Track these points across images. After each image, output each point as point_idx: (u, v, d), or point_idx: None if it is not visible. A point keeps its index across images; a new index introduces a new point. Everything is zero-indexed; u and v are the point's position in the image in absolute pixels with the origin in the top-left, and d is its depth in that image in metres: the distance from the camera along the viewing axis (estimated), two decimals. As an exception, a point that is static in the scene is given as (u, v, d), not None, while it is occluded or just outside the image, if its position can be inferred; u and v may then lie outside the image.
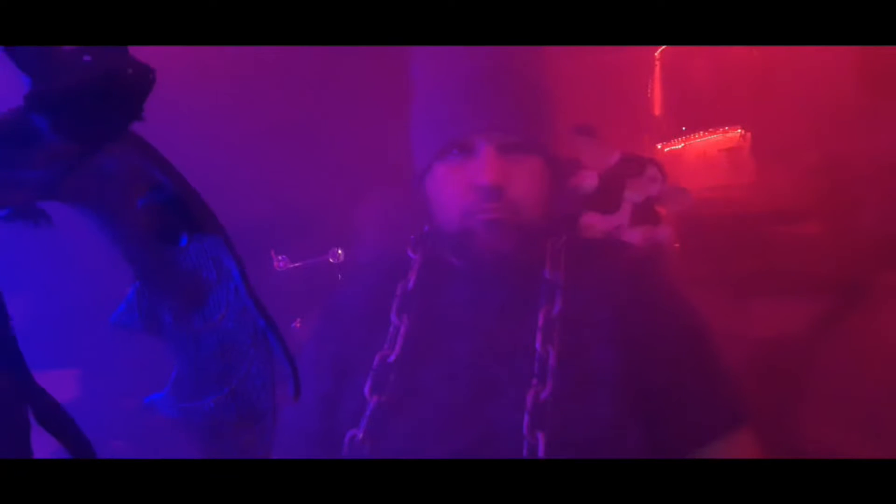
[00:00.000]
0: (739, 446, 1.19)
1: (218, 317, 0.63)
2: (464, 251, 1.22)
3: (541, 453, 1.09)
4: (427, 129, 1.27)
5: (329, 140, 1.75)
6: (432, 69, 1.27)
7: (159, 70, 0.55)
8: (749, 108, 1.91)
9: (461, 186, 1.21)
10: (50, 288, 1.58)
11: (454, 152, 1.21)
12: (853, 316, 1.61)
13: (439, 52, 1.25)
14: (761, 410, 1.27)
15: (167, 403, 0.66)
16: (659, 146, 2.04)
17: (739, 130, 1.95)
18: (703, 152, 1.99)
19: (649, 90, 2.06)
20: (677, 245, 1.57)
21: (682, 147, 2.02)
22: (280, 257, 1.66)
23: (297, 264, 1.67)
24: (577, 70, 1.80)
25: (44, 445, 0.56)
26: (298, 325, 1.60)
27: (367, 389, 1.17)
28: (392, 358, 1.19)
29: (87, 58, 0.53)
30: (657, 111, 2.06)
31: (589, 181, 1.38)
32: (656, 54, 2.04)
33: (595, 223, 1.34)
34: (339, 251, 1.67)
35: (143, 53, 0.56)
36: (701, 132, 1.99)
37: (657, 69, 2.04)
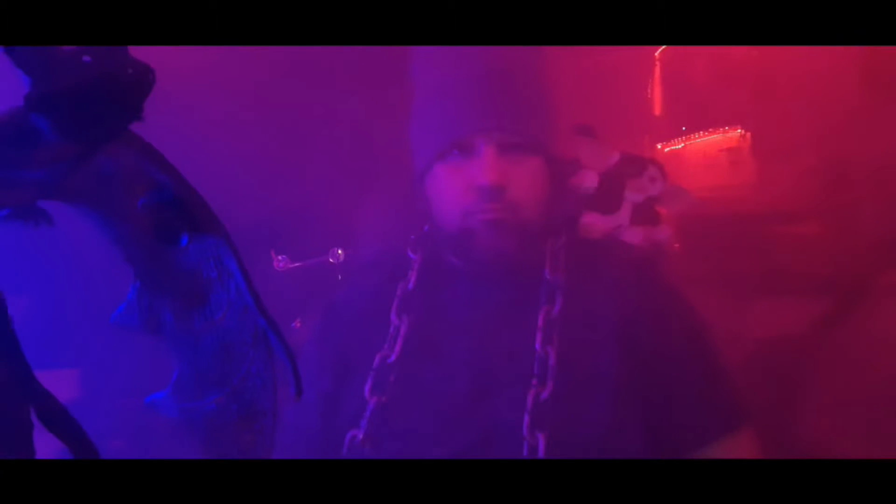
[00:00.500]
0: (739, 447, 1.19)
1: (218, 317, 0.63)
2: (464, 251, 1.22)
3: (541, 453, 1.09)
4: (427, 130, 1.27)
5: (329, 140, 1.75)
6: (432, 69, 1.27)
7: (159, 70, 0.55)
8: (749, 108, 1.91)
9: (461, 186, 1.20)
10: (50, 288, 1.58)
11: (454, 152, 1.21)
12: (853, 316, 1.61)
13: (439, 52, 1.25)
14: (761, 410, 1.27)
15: (168, 403, 0.66)
16: (659, 146, 2.04)
17: (739, 130, 1.95)
18: (703, 152, 1.99)
19: (649, 90, 2.05)
20: (677, 245, 1.57)
21: (682, 147, 2.02)
22: (280, 257, 1.65)
23: (297, 264, 1.67)
24: (577, 70, 1.79)
25: (47, 445, 0.56)
26: (298, 325, 1.60)
27: (367, 389, 1.17)
28: (392, 358, 1.19)
29: (87, 58, 0.53)
30: (657, 111, 2.06)
31: (589, 181, 1.38)
32: (656, 54, 2.04)
33: (595, 223, 1.34)
34: (339, 251, 1.67)
35: (143, 53, 0.56)
36: (701, 132, 1.99)
37: (657, 69, 2.04)
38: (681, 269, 1.51)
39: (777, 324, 1.65)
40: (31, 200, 0.57)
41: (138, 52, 0.55)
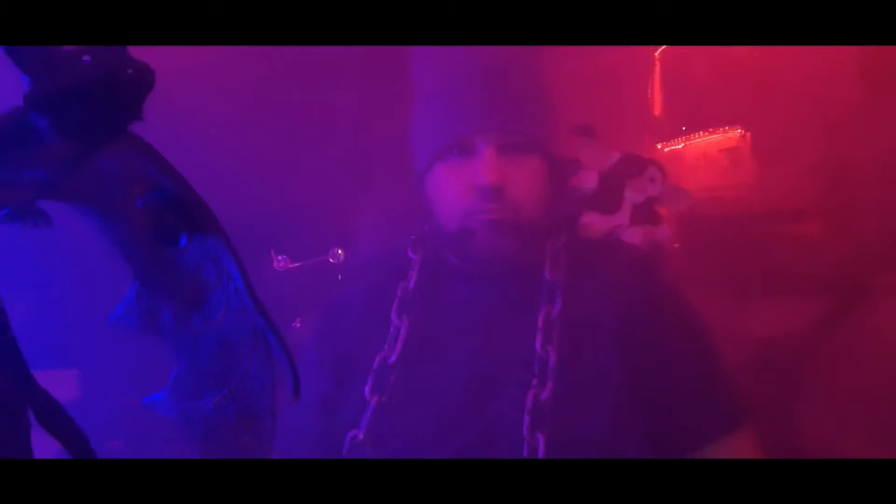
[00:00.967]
0: (739, 447, 1.19)
1: (218, 317, 0.63)
2: (464, 251, 1.22)
3: (541, 453, 1.09)
4: (427, 130, 1.27)
5: (330, 140, 1.75)
6: (432, 69, 1.27)
7: (159, 70, 0.55)
8: (749, 108, 1.91)
9: (461, 187, 1.20)
10: (50, 288, 1.58)
11: (454, 153, 1.21)
12: (853, 316, 1.61)
13: (439, 53, 1.25)
14: (761, 410, 1.27)
15: (167, 404, 0.66)
16: (659, 146, 2.04)
17: (739, 130, 1.95)
18: (703, 152, 1.98)
19: (649, 90, 2.05)
20: (677, 245, 1.57)
21: (682, 147, 2.01)
22: (280, 257, 1.65)
23: (297, 264, 1.67)
24: (577, 70, 1.79)
25: (44, 446, 0.56)
26: (298, 325, 1.59)
27: (367, 390, 1.17)
28: (392, 358, 1.19)
29: (87, 58, 0.53)
30: (657, 111, 2.06)
31: (589, 181, 1.37)
32: (656, 54, 2.04)
33: (595, 223, 1.34)
34: (339, 251, 1.67)
35: (143, 53, 0.56)
36: (701, 132, 1.99)
37: (657, 69, 2.04)
38: (681, 269, 1.51)
39: (777, 324, 1.65)
40: (31, 200, 0.57)
41: (138, 52, 0.55)
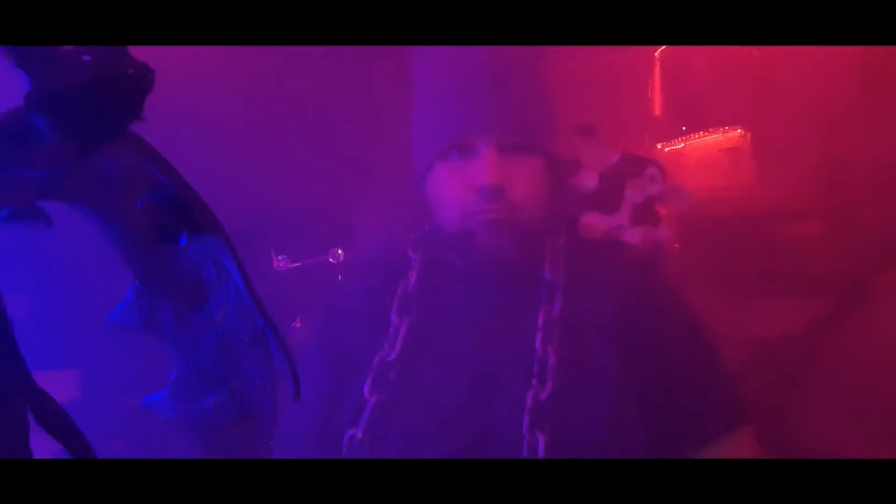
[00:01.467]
0: (739, 446, 1.19)
1: (218, 317, 0.63)
2: (464, 252, 1.22)
3: (541, 453, 1.09)
4: (427, 129, 1.26)
5: (329, 140, 1.75)
6: (432, 68, 1.27)
7: (159, 70, 0.55)
8: (749, 108, 1.91)
9: (461, 187, 1.20)
10: (50, 288, 1.58)
11: (454, 153, 1.21)
12: (852, 316, 1.61)
13: (439, 52, 1.25)
14: (760, 410, 1.27)
15: (166, 404, 0.66)
16: (659, 146, 2.04)
17: (739, 130, 1.95)
18: (703, 152, 1.99)
19: (649, 90, 2.05)
20: (677, 245, 1.57)
21: (682, 147, 2.02)
22: (280, 257, 1.66)
23: (297, 264, 1.67)
24: (577, 70, 1.80)
25: (43, 446, 0.56)
26: (298, 324, 1.59)
27: (366, 389, 1.17)
28: (392, 357, 1.19)
29: (87, 58, 0.53)
30: (657, 111, 2.06)
31: (589, 181, 1.37)
32: (656, 54, 2.04)
33: (595, 223, 1.34)
34: (339, 251, 1.67)
35: (143, 53, 0.56)
36: (701, 132, 1.99)
37: (657, 69, 2.04)
38: (681, 269, 1.51)
39: (777, 323, 1.65)
40: (31, 200, 0.57)
41: (138, 52, 0.55)
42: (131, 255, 0.62)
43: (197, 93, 1.57)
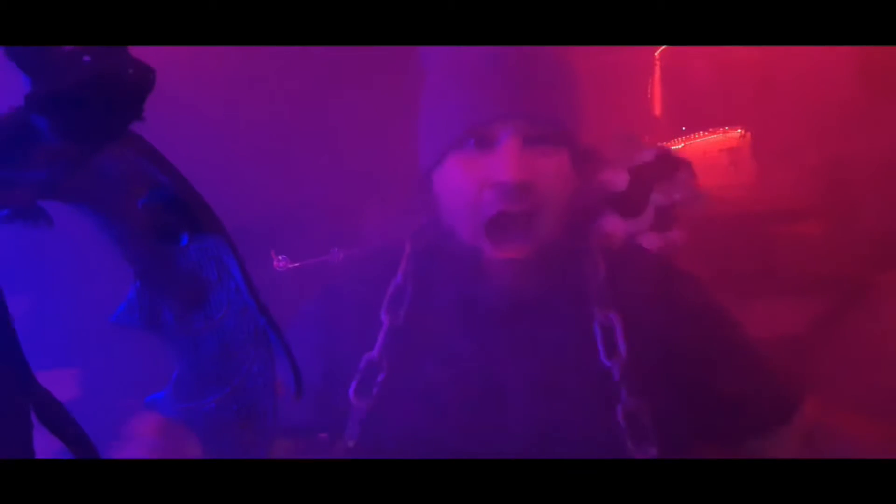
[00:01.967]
0: (785, 441, 1.15)
1: (219, 316, 0.63)
2: (472, 254, 1.12)
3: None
4: (439, 118, 1.12)
5: (330, 139, 1.75)
6: (446, 49, 1.13)
7: (159, 70, 0.55)
8: (749, 108, 1.91)
9: (476, 183, 1.08)
10: (50, 288, 1.58)
11: (470, 143, 1.07)
12: (853, 316, 1.61)
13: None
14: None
15: (168, 403, 0.66)
16: (659, 146, 2.04)
17: (739, 130, 1.95)
18: (703, 152, 1.98)
19: (649, 90, 2.05)
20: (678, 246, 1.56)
21: (682, 147, 2.02)
22: (280, 257, 1.65)
23: (297, 264, 1.67)
24: (577, 70, 1.79)
25: (46, 446, 0.56)
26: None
27: (351, 392, 1.12)
28: (375, 356, 1.13)
29: (87, 58, 0.53)
30: (657, 111, 2.06)
31: (617, 181, 1.23)
32: (656, 54, 2.04)
33: (615, 228, 1.22)
34: (339, 252, 1.67)
35: (143, 53, 0.56)
36: (701, 132, 1.99)
37: (657, 69, 2.04)
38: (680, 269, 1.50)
39: (776, 324, 1.65)
40: (31, 200, 0.57)
41: (138, 52, 0.55)
42: (132, 255, 0.62)
43: (197, 92, 1.57)
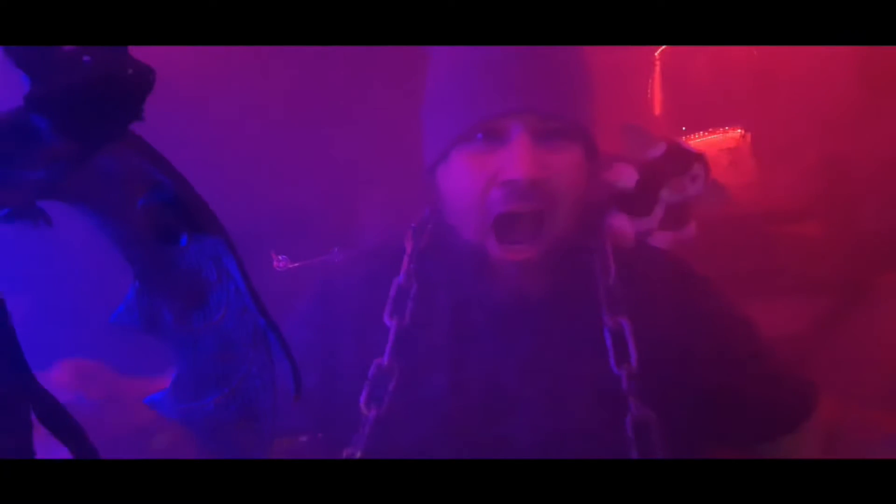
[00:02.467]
0: (802, 443, 1.14)
1: (218, 317, 0.63)
2: (477, 254, 1.08)
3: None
4: (445, 110, 1.07)
5: (330, 140, 1.75)
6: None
7: (159, 70, 0.55)
8: (749, 108, 1.91)
9: (483, 180, 1.03)
10: (50, 288, 1.58)
11: (478, 137, 1.03)
12: (853, 315, 1.61)
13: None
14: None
15: (167, 404, 0.66)
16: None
17: (739, 130, 1.95)
18: (703, 152, 1.98)
19: (649, 90, 2.05)
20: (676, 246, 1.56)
21: (682, 147, 2.01)
22: (280, 257, 1.65)
23: (297, 264, 1.67)
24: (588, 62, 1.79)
25: (46, 446, 0.56)
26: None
27: (362, 399, 1.08)
28: (385, 362, 1.10)
29: (87, 58, 0.53)
30: (657, 111, 2.06)
31: (626, 178, 1.17)
32: (656, 54, 2.04)
33: (623, 228, 1.17)
34: (340, 251, 1.67)
35: (143, 53, 0.56)
36: (701, 132, 1.99)
37: (657, 69, 2.04)
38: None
39: (777, 323, 1.65)
40: (31, 200, 0.57)
41: (138, 52, 0.55)
42: (132, 255, 0.62)
43: (196, 93, 1.57)
